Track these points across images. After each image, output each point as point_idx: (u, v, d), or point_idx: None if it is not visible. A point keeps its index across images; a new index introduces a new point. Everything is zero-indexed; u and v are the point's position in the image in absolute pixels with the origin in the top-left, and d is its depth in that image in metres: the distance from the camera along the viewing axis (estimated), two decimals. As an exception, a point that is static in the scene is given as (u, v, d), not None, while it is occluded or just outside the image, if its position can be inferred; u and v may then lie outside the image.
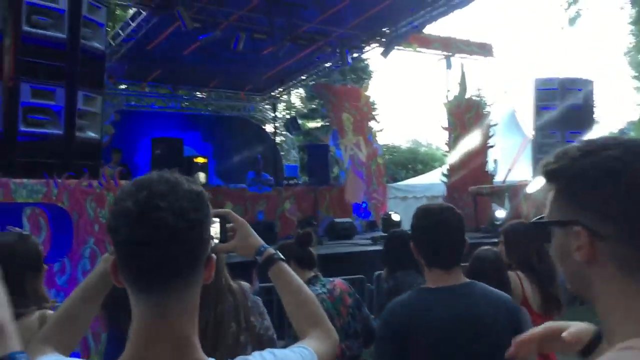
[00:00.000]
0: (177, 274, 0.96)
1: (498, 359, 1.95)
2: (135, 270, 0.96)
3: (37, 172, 5.45)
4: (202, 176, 11.73)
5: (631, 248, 0.86)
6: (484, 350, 1.92)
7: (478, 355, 1.92)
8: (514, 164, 12.85)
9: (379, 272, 6.33)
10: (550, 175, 0.96)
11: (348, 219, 11.37)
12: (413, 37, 12.15)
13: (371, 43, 12.27)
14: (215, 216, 1.41)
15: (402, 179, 20.87)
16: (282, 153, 16.31)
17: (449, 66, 13.55)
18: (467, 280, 2.11)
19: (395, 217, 10.30)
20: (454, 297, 2.00)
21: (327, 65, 13.70)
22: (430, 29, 12.29)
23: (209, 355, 1.02)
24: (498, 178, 12.90)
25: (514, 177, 12.34)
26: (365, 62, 24.23)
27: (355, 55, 12.88)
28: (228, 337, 2.04)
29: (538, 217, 1.03)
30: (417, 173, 23.48)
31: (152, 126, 13.65)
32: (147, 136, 12.37)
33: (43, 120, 5.78)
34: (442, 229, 2.08)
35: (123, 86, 14.41)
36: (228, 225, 1.43)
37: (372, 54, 13.22)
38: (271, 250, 1.44)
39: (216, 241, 1.41)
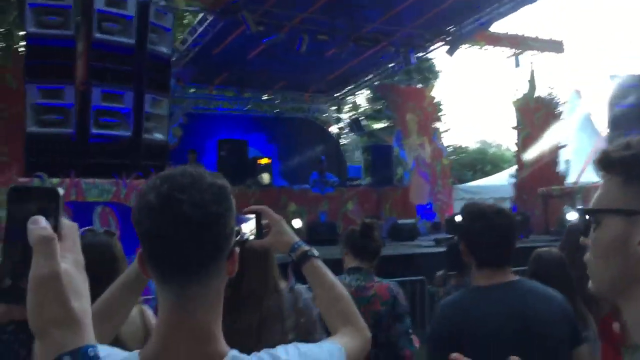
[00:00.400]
0: (198, 267, 0.97)
1: (550, 355, 1.90)
2: (158, 262, 0.98)
3: (106, 172, 5.70)
4: (266, 177, 11.90)
5: None
6: (535, 345, 1.89)
7: (529, 350, 1.87)
8: (587, 164, 12.30)
9: (439, 273, 6.22)
10: (617, 163, 0.91)
11: (411, 220, 11.24)
12: (480, 34, 11.87)
13: (436, 42, 12.08)
14: (251, 213, 1.42)
15: (469, 180, 20.43)
16: (346, 154, 16.32)
17: (517, 64, 13.13)
18: (517, 277, 2.09)
19: (459, 218, 10.07)
20: (504, 293, 1.99)
21: (391, 65, 13.59)
22: (497, 26, 11.97)
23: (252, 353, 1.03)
24: (570, 179, 12.39)
25: (587, 178, 11.81)
26: (431, 62, 23.85)
27: (419, 54, 12.71)
28: (273, 335, 2.06)
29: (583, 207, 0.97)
30: (485, 174, 22.93)
31: (218, 128, 13.97)
32: (213, 138, 12.68)
33: (113, 123, 6.05)
34: (495, 231, 2.04)
35: (192, 90, 14.84)
36: (263, 222, 1.44)
37: (437, 53, 13.02)
38: (305, 246, 1.44)
39: (252, 237, 1.42)
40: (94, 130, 5.89)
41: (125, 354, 0.98)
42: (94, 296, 1.18)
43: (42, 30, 5.63)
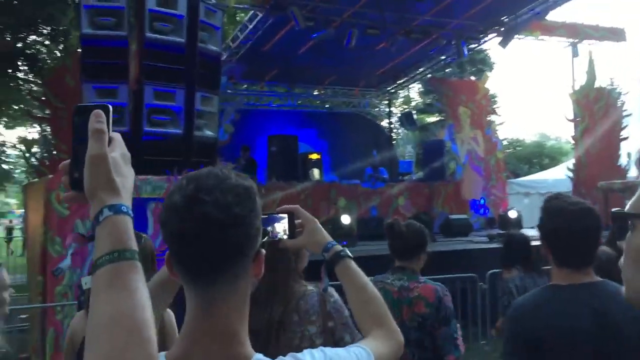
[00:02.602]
0: (222, 268, 0.97)
1: (629, 358, 1.80)
2: (183, 263, 0.98)
3: (159, 169, 5.83)
4: (316, 172, 11.92)
5: None
6: (617, 349, 1.80)
7: (611, 354, 1.80)
8: (651, 157, 11.74)
9: (492, 270, 6.08)
10: None
11: (464, 216, 11.05)
12: (535, 24, 11.51)
13: (489, 33, 11.80)
14: (283, 212, 1.41)
15: (525, 174, 19.86)
16: (397, 149, 16.17)
17: (575, 54, 12.69)
18: (599, 278, 1.96)
19: (513, 214, 9.84)
20: (585, 294, 1.89)
21: (443, 58, 13.36)
22: (554, 15, 11.57)
23: (269, 354, 1.02)
24: (632, 173, 11.86)
25: (652, 172, 11.28)
26: (485, 53, 23.32)
27: (471, 46, 12.45)
28: (292, 338, 2.03)
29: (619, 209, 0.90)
30: (543, 168, 22.28)
31: (269, 124, 14.10)
32: (264, 134, 12.79)
33: (165, 121, 6.18)
34: (580, 230, 1.94)
35: (243, 86, 15.03)
36: (297, 222, 1.43)
37: (490, 44, 12.72)
38: (338, 247, 1.41)
39: (285, 237, 1.41)
40: (147, 128, 6.03)
41: None
42: None
43: (96, 32, 5.80)
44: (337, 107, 16.22)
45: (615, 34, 12.81)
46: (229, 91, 13.34)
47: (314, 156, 12.28)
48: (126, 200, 0.86)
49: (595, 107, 12.12)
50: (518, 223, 9.49)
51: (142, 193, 5.85)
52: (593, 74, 12.32)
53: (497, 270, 5.86)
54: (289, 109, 15.55)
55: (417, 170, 14.95)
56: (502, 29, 11.32)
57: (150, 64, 5.99)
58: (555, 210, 1.99)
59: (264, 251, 1.04)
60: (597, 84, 12.41)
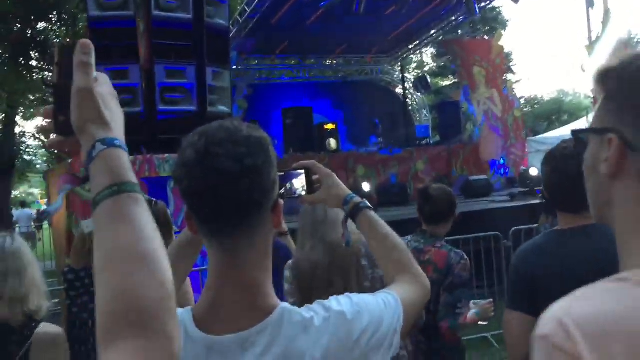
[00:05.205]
0: (239, 221, 0.97)
1: None
2: (201, 217, 0.99)
3: (176, 147, 5.84)
4: (332, 142, 11.89)
5: None
6: None
7: None
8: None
9: (516, 227, 6.06)
10: (598, 78, 0.83)
11: (483, 176, 10.97)
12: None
13: (500, -12, 11.54)
14: (300, 168, 1.41)
15: (545, 132, 19.60)
16: (413, 114, 16.04)
17: (590, 4, 12.33)
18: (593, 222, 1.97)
19: (534, 172, 9.73)
20: (582, 236, 1.91)
21: (454, 18, 13.12)
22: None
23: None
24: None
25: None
26: (498, 11, 22.82)
27: (483, 4, 12.19)
28: (323, 290, 2.06)
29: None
30: (562, 124, 21.92)
31: (283, 97, 14.05)
32: (279, 108, 12.76)
33: (178, 98, 6.18)
34: (572, 173, 1.92)
35: (254, 61, 14.95)
36: (314, 177, 1.42)
37: (502, 1, 12.44)
38: (357, 199, 1.41)
39: (303, 193, 1.41)
40: (161, 107, 6.03)
41: (178, 310, 1.00)
42: None
43: (103, 13, 5.77)
44: (350, 76, 16.09)
45: (631, -19, 12.42)
46: (240, 67, 13.29)
47: (330, 126, 12.24)
48: (118, 134, 0.81)
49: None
50: (539, 180, 9.38)
51: (161, 172, 5.89)
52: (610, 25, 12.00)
53: (522, 227, 5.84)
54: (302, 81, 15.47)
55: (434, 134, 14.83)
56: (514, -17, 11.08)
57: (160, 42, 5.96)
58: (549, 156, 2.01)
59: (282, 202, 1.04)
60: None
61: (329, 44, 14.11)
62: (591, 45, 12.11)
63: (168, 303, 0.70)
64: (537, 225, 4.29)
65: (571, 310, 0.73)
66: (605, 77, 0.83)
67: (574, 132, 0.91)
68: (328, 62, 16.01)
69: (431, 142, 13.90)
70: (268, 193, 1.00)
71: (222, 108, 6.61)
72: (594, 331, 0.69)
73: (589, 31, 12.34)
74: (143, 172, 5.78)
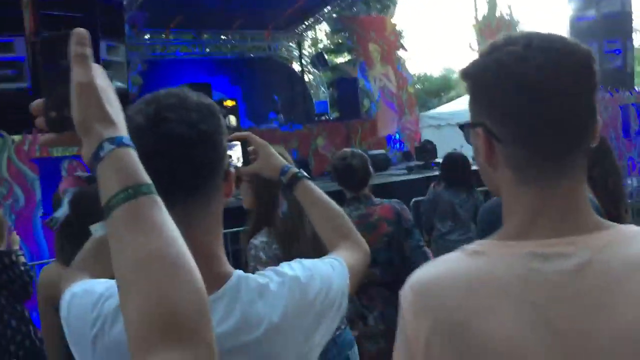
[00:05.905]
0: (194, 188, 0.96)
1: None
2: (156, 184, 0.96)
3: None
4: (232, 119, 11.73)
5: (524, 151, 0.83)
6: None
7: None
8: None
9: (416, 198, 6.33)
10: (462, 74, 0.92)
11: (381, 151, 11.32)
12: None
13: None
14: (236, 140, 1.39)
15: (435, 107, 20.49)
16: (311, 90, 16.14)
17: (476, -17, 12.96)
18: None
19: (428, 145, 10.17)
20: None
21: (349, -5, 13.29)
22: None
23: None
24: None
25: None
26: (390, -11, 23.36)
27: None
28: None
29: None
30: (450, 100, 23.01)
31: (180, 74, 13.63)
32: (175, 84, 12.22)
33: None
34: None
35: (147, 36, 14.32)
36: (249, 148, 1.42)
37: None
38: (295, 168, 1.42)
39: (239, 164, 1.40)
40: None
41: None
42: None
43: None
44: (247, 52, 15.87)
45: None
46: (132, 41, 12.67)
47: (229, 103, 12.05)
48: (123, 132, 0.76)
49: (498, 36, 12.54)
50: (434, 153, 9.84)
51: (54, 152, 5.56)
52: (494, 2, 12.70)
53: (420, 197, 6.11)
54: (199, 57, 15.05)
55: (332, 110, 15.04)
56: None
57: (48, 13, 5.59)
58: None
59: (233, 170, 1.03)
60: (498, 14, 12.83)
61: (226, 19, 13.80)
62: (478, 23, 12.77)
63: (205, 309, 0.68)
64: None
65: (416, 274, 0.87)
66: (464, 76, 0.91)
67: (460, 126, 0.98)
68: (224, 37, 15.68)
69: (330, 118, 14.10)
70: (221, 160, 0.99)
71: (118, 84, 6.33)
72: (420, 292, 0.84)
73: (476, 9, 12.99)
74: (34, 153, 5.44)
